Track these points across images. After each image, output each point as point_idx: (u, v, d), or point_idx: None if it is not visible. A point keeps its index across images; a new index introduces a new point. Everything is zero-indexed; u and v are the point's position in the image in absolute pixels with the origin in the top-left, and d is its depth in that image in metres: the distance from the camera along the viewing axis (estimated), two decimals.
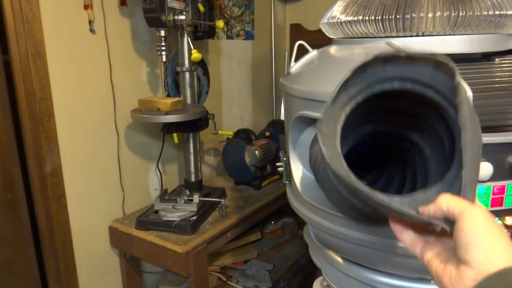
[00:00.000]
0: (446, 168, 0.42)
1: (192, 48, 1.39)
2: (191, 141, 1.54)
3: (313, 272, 1.94)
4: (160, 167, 1.68)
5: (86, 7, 1.32)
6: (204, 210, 1.47)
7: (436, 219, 0.38)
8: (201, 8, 1.44)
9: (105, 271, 1.53)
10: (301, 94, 0.75)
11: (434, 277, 0.40)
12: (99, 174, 1.46)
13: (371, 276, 0.77)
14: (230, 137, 1.78)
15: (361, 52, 0.75)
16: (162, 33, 1.35)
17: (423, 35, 0.70)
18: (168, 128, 1.45)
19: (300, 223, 2.06)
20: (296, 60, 0.87)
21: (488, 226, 0.36)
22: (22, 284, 1.64)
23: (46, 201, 1.32)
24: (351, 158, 0.49)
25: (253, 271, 1.72)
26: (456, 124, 0.40)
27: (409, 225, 0.43)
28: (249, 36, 2.11)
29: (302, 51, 0.90)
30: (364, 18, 0.73)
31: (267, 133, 1.85)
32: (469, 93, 0.58)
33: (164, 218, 1.38)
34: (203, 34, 1.53)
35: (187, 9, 1.37)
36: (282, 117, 2.05)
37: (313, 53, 0.85)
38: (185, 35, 1.42)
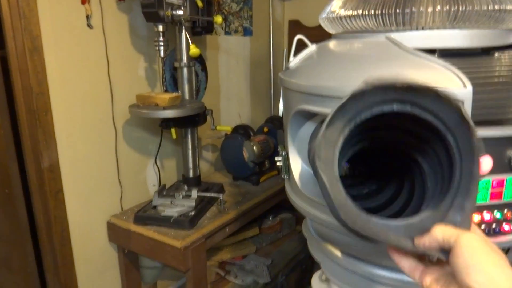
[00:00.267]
0: (442, 189, 0.42)
1: (191, 43, 1.39)
2: (189, 136, 1.53)
3: (311, 267, 1.95)
4: (158, 162, 1.68)
5: (83, 1, 1.31)
6: (202, 206, 1.47)
7: (432, 249, 0.39)
8: (199, 3, 1.44)
9: (103, 266, 1.53)
10: (300, 89, 0.75)
11: None
12: (97, 170, 1.45)
13: (370, 269, 0.77)
14: (228, 132, 1.77)
15: (360, 47, 0.75)
16: (160, 28, 1.35)
17: (423, 30, 0.70)
18: (166, 123, 1.45)
19: (298, 218, 2.07)
20: (295, 55, 0.87)
21: (486, 249, 0.37)
22: (21, 280, 1.64)
23: (44, 197, 1.32)
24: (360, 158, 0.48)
25: (252, 266, 1.72)
26: (455, 151, 0.40)
27: (407, 252, 0.43)
28: (247, 32, 2.10)
29: (301, 46, 0.90)
30: (364, 13, 0.73)
31: (265, 129, 1.85)
32: (469, 87, 0.58)
33: (163, 214, 1.38)
34: (201, 29, 1.52)
35: (185, 4, 1.36)
36: (281, 113, 2.05)
37: (312, 47, 0.85)
38: (183, 31, 1.42)
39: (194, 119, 1.48)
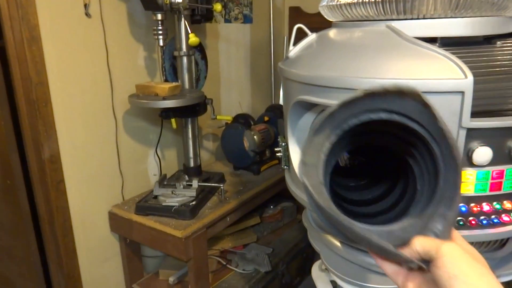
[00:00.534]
0: (427, 195, 0.42)
1: (190, 32, 1.37)
2: (190, 126, 1.53)
3: (312, 255, 1.96)
4: (158, 152, 1.68)
5: None
6: (203, 195, 1.47)
7: (413, 259, 0.39)
8: None
9: (105, 255, 1.55)
10: (300, 79, 0.74)
11: None
12: (98, 160, 1.45)
13: (368, 259, 0.77)
14: (229, 122, 1.77)
15: (361, 36, 0.73)
16: (159, 16, 1.33)
17: (424, 18, 0.69)
18: (166, 113, 1.45)
19: (299, 207, 2.07)
20: (295, 44, 0.86)
21: (467, 259, 0.37)
22: (24, 270, 1.66)
23: (45, 187, 1.32)
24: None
25: (253, 255, 1.74)
26: (440, 161, 0.40)
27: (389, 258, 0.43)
28: (247, 19, 2.08)
29: (301, 35, 0.89)
30: (364, 1, 0.72)
31: (266, 118, 1.85)
32: (470, 78, 0.57)
33: (164, 203, 1.38)
34: (200, 17, 1.50)
35: None
36: (281, 102, 2.04)
37: (312, 36, 0.84)
38: (182, 19, 1.40)
39: (194, 109, 1.47)
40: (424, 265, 0.39)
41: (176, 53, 1.46)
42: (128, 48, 1.50)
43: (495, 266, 0.79)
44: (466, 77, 0.58)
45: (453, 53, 0.62)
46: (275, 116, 1.85)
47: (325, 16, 0.87)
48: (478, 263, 0.37)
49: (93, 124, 1.42)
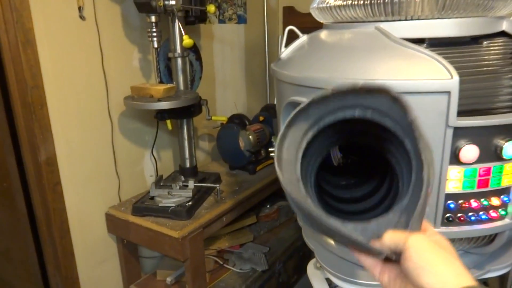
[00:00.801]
0: (405, 192, 0.43)
1: (184, 33, 1.38)
2: (185, 127, 1.54)
3: (308, 254, 1.97)
4: (154, 153, 1.68)
5: None
6: (200, 196, 1.48)
7: (385, 252, 0.40)
8: None
9: (103, 257, 1.55)
10: (291, 80, 0.76)
11: None
12: (94, 162, 1.46)
13: None
14: (224, 122, 1.78)
15: (350, 37, 0.75)
16: (153, 18, 1.34)
17: (411, 19, 0.70)
18: (162, 115, 1.45)
19: None
20: (287, 45, 0.87)
21: (434, 249, 0.37)
22: (22, 272, 1.66)
23: (42, 190, 1.33)
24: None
25: (249, 254, 1.75)
26: (412, 156, 0.41)
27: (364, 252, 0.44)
28: (241, 20, 2.09)
29: (293, 35, 0.90)
30: (353, 3, 0.73)
31: (261, 118, 1.86)
32: (455, 78, 0.59)
33: (160, 204, 1.39)
34: (194, 19, 1.51)
35: None
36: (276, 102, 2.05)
37: (303, 38, 0.85)
38: (176, 21, 1.41)
39: (189, 110, 1.48)
40: (395, 258, 0.39)
41: (170, 55, 1.47)
42: (122, 50, 1.50)
43: (485, 261, 0.81)
44: (452, 77, 0.59)
45: (440, 53, 0.64)
46: (270, 116, 1.86)
47: (316, 18, 0.89)
48: (445, 251, 0.37)
49: (89, 126, 1.42)
